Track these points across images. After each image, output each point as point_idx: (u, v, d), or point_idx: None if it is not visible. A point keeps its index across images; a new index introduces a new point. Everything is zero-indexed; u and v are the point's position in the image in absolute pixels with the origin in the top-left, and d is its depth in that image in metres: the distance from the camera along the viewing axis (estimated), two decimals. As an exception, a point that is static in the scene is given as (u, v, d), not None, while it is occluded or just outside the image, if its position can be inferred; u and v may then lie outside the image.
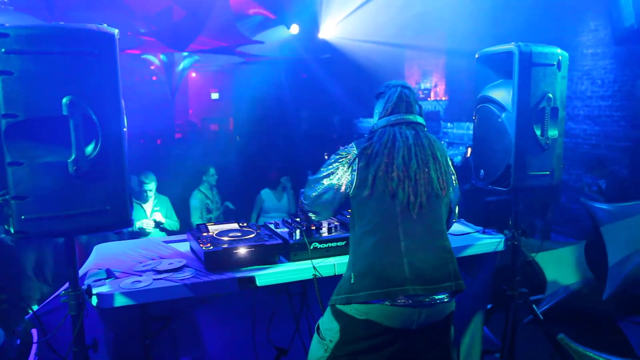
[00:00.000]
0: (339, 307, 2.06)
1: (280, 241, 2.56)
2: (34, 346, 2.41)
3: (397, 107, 2.24)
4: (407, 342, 2.04)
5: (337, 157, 2.22)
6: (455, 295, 2.13)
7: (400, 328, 2.01)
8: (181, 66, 12.13)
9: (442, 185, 2.15)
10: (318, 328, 2.16)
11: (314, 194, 2.27)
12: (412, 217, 2.06)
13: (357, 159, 2.15)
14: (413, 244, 2.04)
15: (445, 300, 2.06)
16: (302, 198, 2.37)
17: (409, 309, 1.99)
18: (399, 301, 1.98)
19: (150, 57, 11.72)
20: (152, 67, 12.34)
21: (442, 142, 2.42)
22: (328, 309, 2.14)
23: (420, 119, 2.27)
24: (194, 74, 14.99)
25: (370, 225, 2.08)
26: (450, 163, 2.28)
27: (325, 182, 2.21)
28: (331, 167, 2.22)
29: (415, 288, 1.98)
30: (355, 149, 2.19)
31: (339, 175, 2.18)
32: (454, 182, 2.29)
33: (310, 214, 2.39)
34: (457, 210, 2.37)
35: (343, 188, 2.18)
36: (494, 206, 6.71)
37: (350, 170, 2.16)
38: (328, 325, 2.10)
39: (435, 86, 11.25)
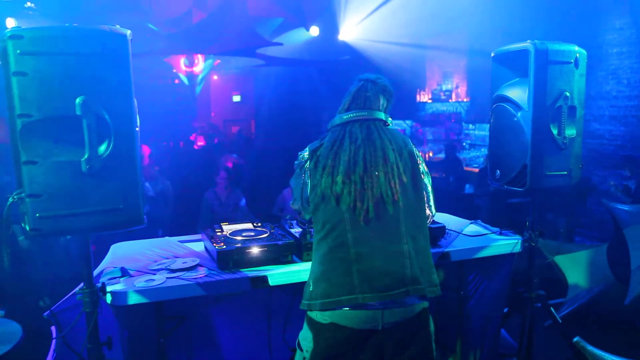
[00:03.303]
0: (309, 314, 2.02)
1: (292, 241, 2.56)
2: (53, 342, 2.46)
3: (354, 103, 2.16)
4: (379, 341, 1.97)
5: (297, 163, 2.18)
6: (424, 298, 2.01)
7: (366, 329, 1.95)
8: (202, 68, 12.25)
9: (394, 188, 1.99)
10: (298, 342, 2.10)
11: (294, 201, 2.25)
12: (361, 223, 1.96)
13: (307, 161, 2.10)
14: (365, 250, 1.94)
15: (408, 303, 1.97)
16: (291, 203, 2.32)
17: (370, 312, 1.93)
18: (356, 306, 1.92)
19: (172, 60, 11.87)
20: (174, 70, 12.49)
21: (406, 136, 2.25)
22: (305, 319, 2.10)
23: (378, 114, 2.14)
24: (215, 77, 15.11)
25: (324, 232, 2.00)
26: (416, 159, 2.11)
27: (296, 188, 2.19)
28: (296, 175, 2.19)
29: (365, 297, 1.90)
30: (307, 151, 2.14)
31: (299, 182, 2.16)
32: (423, 178, 2.14)
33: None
34: (432, 204, 2.23)
35: (303, 193, 2.13)
36: (516, 208, 6.62)
37: (303, 172, 2.12)
38: (304, 335, 2.06)
39: (457, 87, 11.14)
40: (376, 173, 1.99)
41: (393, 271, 1.94)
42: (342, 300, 1.92)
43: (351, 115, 2.12)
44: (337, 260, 1.96)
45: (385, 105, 2.21)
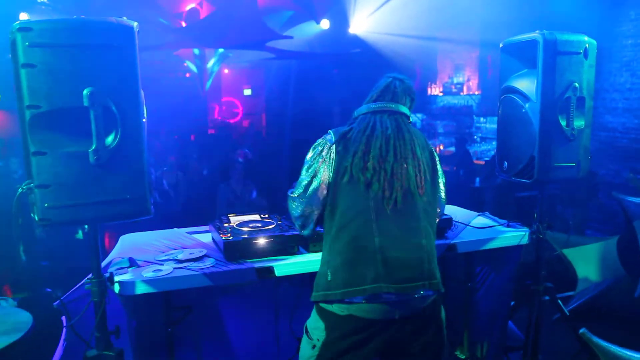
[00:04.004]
0: (322, 305, 2.03)
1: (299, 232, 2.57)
2: (64, 330, 2.50)
3: (381, 95, 2.20)
4: (393, 331, 2.00)
5: (314, 150, 2.13)
6: (437, 291, 2.04)
7: (382, 319, 1.97)
8: (212, 62, 12.27)
9: (420, 183, 2.05)
10: (306, 329, 2.12)
11: (298, 207, 2.16)
12: (387, 213, 1.98)
13: (335, 144, 2.07)
14: (388, 240, 1.96)
15: (423, 294, 1.99)
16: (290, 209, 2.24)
17: (387, 305, 1.95)
18: (374, 298, 1.94)
19: (183, 54, 11.90)
20: (185, 64, 12.52)
21: (424, 134, 2.29)
22: (314, 308, 2.11)
23: (403, 109, 2.19)
24: (226, 70, 15.12)
25: (345, 220, 2.00)
26: (435, 159, 2.19)
27: (311, 183, 2.10)
28: (311, 165, 2.11)
29: (389, 286, 1.93)
30: (332, 135, 2.11)
31: (321, 167, 2.08)
32: (439, 179, 2.21)
33: (300, 229, 2.25)
34: (443, 204, 2.30)
35: (325, 177, 2.07)
36: (525, 202, 6.58)
37: (329, 155, 2.07)
38: (314, 324, 2.07)
39: (468, 80, 11.08)
40: (405, 165, 2.04)
41: (413, 264, 1.98)
42: (366, 289, 1.93)
43: (380, 105, 2.17)
44: (360, 248, 1.98)
45: (409, 104, 2.26)
